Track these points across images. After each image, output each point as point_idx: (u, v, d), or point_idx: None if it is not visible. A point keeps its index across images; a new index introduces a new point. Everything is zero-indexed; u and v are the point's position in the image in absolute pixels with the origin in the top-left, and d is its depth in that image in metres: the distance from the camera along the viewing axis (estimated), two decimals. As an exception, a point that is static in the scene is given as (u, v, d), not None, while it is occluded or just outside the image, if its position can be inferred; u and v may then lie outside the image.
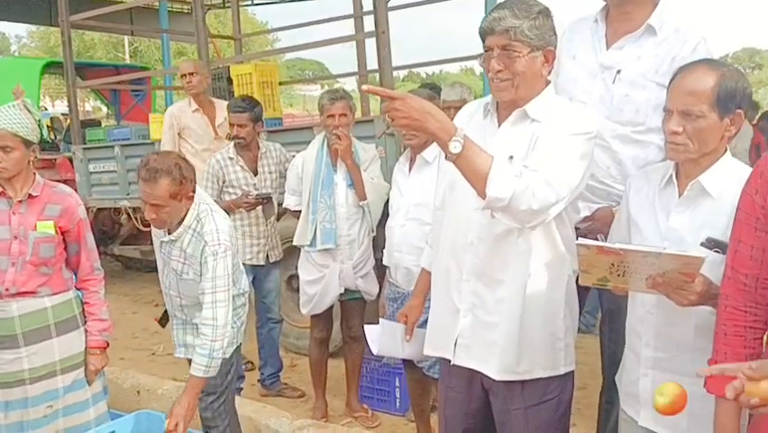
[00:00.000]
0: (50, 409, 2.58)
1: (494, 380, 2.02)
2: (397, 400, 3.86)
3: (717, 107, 1.70)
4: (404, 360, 3.24)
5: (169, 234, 2.60)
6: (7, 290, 2.51)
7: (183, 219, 2.54)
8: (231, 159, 3.94)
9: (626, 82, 2.29)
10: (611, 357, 2.48)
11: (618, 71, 2.31)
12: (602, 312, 2.61)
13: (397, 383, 3.83)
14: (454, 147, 1.71)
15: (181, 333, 2.77)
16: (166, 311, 3.03)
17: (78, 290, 2.73)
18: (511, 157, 1.90)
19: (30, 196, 2.57)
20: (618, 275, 1.66)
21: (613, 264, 1.63)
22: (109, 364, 2.84)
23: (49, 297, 2.59)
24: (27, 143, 2.52)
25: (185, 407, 2.41)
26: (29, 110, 2.52)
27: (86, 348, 2.69)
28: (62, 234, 2.60)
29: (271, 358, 4.20)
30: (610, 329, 2.46)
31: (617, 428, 2.57)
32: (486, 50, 1.92)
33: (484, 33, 1.91)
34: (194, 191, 2.53)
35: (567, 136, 1.85)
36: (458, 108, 3.23)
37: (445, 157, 1.76)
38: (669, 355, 1.80)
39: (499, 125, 2.00)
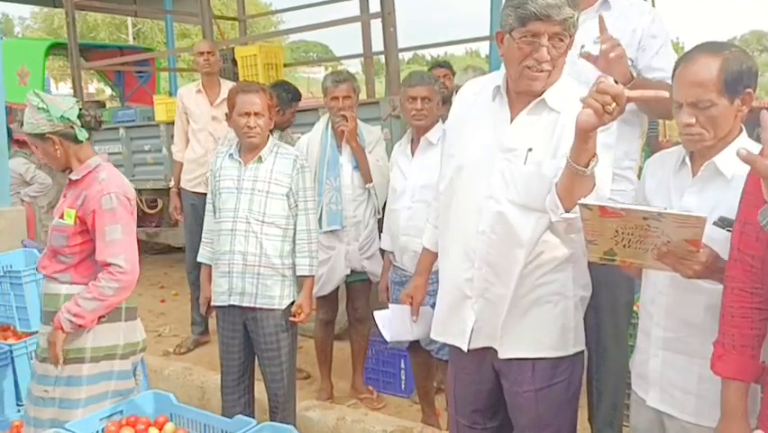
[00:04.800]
0: (47, 393, 2.54)
1: (504, 361, 2.03)
2: (402, 382, 3.88)
3: (725, 93, 1.67)
4: (409, 342, 3.25)
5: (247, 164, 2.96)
6: (44, 268, 2.59)
7: (265, 146, 2.96)
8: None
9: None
10: (596, 333, 2.49)
11: (582, 46, 2.31)
12: None
13: (402, 365, 3.85)
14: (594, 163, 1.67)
15: (240, 281, 2.93)
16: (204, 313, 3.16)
17: None
18: (530, 149, 1.88)
19: (70, 180, 2.56)
20: (624, 246, 1.64)
21: (617, 231, 1.61)
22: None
23: (67, 285, 2.53)
24: (41, 137, 2.48)
25: (305, 297, 2.99)
26: (32, 104, 2.46)
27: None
28: (83, 223, 2.49)
29: None
30: (593, 305, 2.47)
31: (613, 406, 2.60)
32: (527, 36, 1.81)
33: (532, 17, 1.79)
34: (272, 118, 2.98)
35: (597, 134, 1.76)
36: None
37: (574, 168, 1.67)
38: (679, 336, 1.79)
39: (512, 113, 1.97)
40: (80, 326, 2.45)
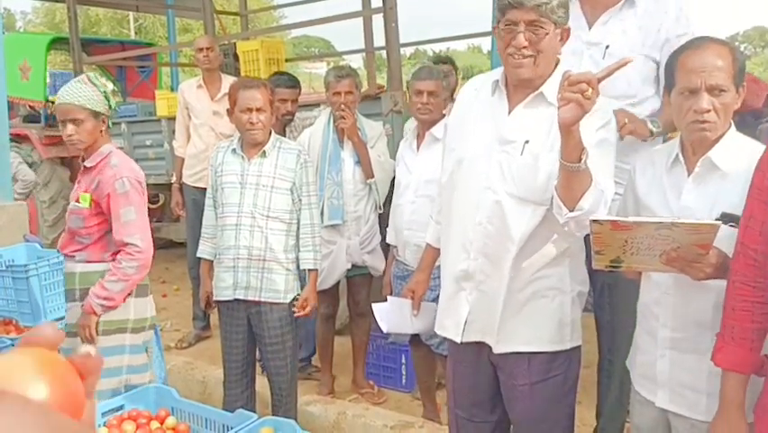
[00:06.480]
0: None
1: (500, 355, 2.03)
2: (403, 377, 3.89)
3: (734, 81, 1.69)
4: (410, 337, 3.26)
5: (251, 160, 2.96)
6: (63, 247, 2.77)
7: (267, 141, 2.97)
8: None
9: (616, 57, 2.27)
10: (610, 331, 2.50)
11: (607, 46, 2.32)
12: (595, 288, 2.60)
13: (404, 360, 3.85)
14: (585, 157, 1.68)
15: (245, 275, 2.95)
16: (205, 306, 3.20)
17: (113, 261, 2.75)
18: (527, 142, 1.89)
19: (84, 167, 2.70)
20: (632, 254, 1.64)
21: (626, 241, 1.61)
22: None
23: (82, 263, 2.71)
24: (95, 114, 2.63)
25: (310, 290, 3.02)
26: (93, 83, 2.64)
27: (101, 320, 2.68)
28: (98, 206, 2.67)
29: (306, 342, 4.06)
30: (610, 303, 2.47)
31: (618, 402, 2.60)
32: (507, 24, 1.87)
33: (508, 6, 1.85)
34: (273, 113, 3.01)
35: (596, 131, 1.79)
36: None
37: (567, 166, 1.68)
38: (687, 335, 1.78)
39: (510, 105, 1.98)
40: (111, 307, 2.66)
